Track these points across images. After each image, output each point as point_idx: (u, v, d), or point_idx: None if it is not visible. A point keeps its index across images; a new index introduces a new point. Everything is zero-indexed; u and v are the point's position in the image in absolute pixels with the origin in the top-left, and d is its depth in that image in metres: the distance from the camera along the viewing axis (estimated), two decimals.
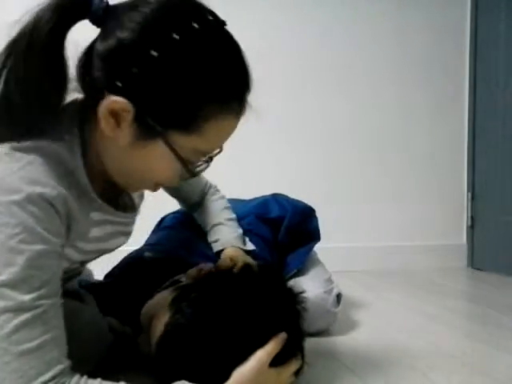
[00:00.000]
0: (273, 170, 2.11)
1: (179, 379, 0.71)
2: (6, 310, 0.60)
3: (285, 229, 1.27)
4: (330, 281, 1.25)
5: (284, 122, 2.15)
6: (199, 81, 0.66)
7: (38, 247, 0.62)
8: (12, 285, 0.60)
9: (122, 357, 0.95)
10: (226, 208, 1.20)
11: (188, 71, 0.65)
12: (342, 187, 2.20)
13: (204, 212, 1.18)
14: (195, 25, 0.65)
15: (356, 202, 2.22)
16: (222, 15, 0.70)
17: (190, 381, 0.70)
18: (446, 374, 0.94)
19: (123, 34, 0.64)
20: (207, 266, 0.91)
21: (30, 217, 0.62)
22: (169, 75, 0.64)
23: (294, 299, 0.83)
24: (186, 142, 0.69)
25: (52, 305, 0.63)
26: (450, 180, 2.33)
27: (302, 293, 0.85)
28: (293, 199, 1.37)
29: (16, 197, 0.62)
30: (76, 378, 0.64)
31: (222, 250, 1.08)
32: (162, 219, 1.31)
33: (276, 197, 1.37)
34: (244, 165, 2.10)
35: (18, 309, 0.60)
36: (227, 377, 0.71)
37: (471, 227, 2.33)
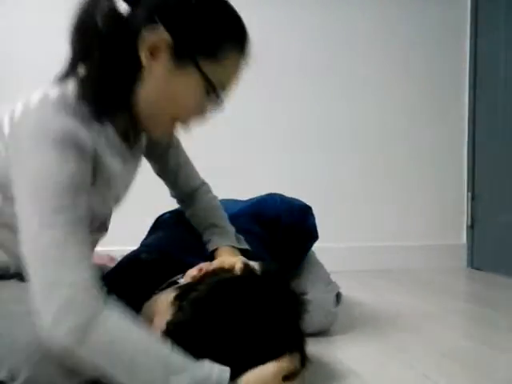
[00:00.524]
0: (273, 170, 2.11)
1: None
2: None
3: (283, 227, 1.26)
4: (329, 280, 1.25)
5: (284, 122, 2.15)
6: (223, 17, 0.82)
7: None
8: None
9: None
10: (219, 207, 1.19)
11: (215, 9, 0.82)
12: (341, 187, 2.20)
13: (197, 211, 1.17)
14: None
15: (356, 202, 2.22)
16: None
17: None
18: (445, 373, 0.94)
19: None
20: (206, 265, 0.91)
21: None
22: (200, 9, 0.80)
23: (296, 300, 0.83)
24: (212, 71, 0.82)
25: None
26: (450, 180, 2.33)
27: (303, 294, 0.85)
28: (289, 198, 1.36)
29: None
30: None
31: (216, 250, 1.07)
32: (158, 219, 1.30)
33: (272, 196, 1.36)
34: (244, 165, 2.10)
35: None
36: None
37: (471, 227, 2.33)
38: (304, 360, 0.80)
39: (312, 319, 1.13)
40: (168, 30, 0.78)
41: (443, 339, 1.18)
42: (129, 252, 1.15)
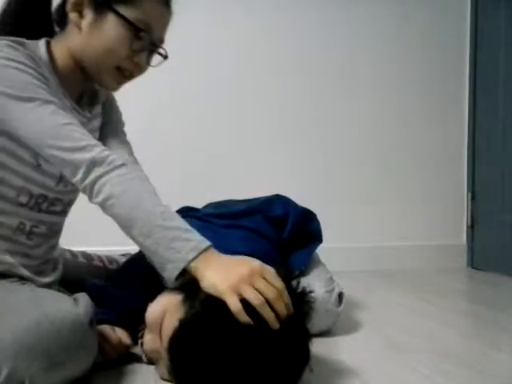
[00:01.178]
0: (273, 170, 2.11)
1: (193, 376, 0.73)
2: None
3: (290, 227, 1.27)
4: (331, 280, 1.25)
5: (284, 122, 2.15)
6: None
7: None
8: None
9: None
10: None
11: None
12: (342, 187, 2.20)
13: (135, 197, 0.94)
14: None
15: (356, 202, 2.22)
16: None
17: (202, 377, 0.72)
18: (445, 373, 0.94)
19: None
20: None
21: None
22: None
23: (302, 299, 0.84)
24: (130, 13, 0.92)
25: None
26: (450, 180, 2.33)
27: (310, 292, 0.86)
28: (294, 202, 1.38)
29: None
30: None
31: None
32: None
33: (279, 197, 1.38)
34: (244, 165, 2.10)
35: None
36: (239, 375, 0.72)
37: (471, 227, 2.33)
38: (308, 359, 0.81)
39: (314, 319, 1.13)
40: None
41: (443, 339, 1.18)
42: (136, 252, 1.15)
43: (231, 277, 0.76)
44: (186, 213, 1.30)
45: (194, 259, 0.79)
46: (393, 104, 2.26)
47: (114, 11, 0.93)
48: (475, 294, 1.84)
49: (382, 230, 2.24)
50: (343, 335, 1.20)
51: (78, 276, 1.17)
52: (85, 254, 1.30)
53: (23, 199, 0.94)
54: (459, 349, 1.11)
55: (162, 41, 1.01)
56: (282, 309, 0.75)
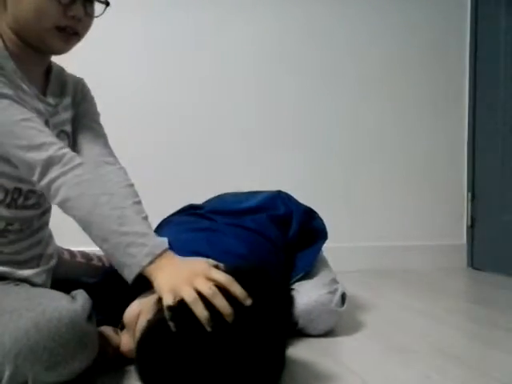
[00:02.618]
0: (273, 170, 2.11)
1: (159, 378, 0.72)
2: None
3: (297, 226, 1.26)
4: (334, 281, 1.25)
5: (284, 122, 2.15)
6: None
7: None
8: None
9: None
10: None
11: None
12: (341, 187, 2.20)
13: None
14: None
15: (356, 201, 2.22)
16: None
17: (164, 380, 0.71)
18: (446, 373, 0.94)
19: None
20: None
21: None
22: None
23: (281, 295, 0.84)
24: None
25: None
26: (450, 180, 2.33)
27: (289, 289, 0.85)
28: (295, 199, 1.38)
29: None
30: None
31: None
32: (160, 224, 1.29)
33: (281, 193, 1.37)
34: (244, 165, 2.10)
35: None
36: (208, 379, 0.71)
37: (471, 227, 2.33)
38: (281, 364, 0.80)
39: (317, 319, 1.13)
40: None
41: (443, 339, 1.18)
42: None
43: (174, 279, 0.77)
44: (189, 211, 1.30)
45: (148, 264, 0.81)
46: (393, 104, 2.26)
47: None
48: (475, 294, 1.84)
49: (382, 229, 2.24)
50: (343, 335, 1.20)
51: (75, 276, 1.17)
52: (84, 254, 1.30)
53: None
54: (459, 349, 1.10)
55: None
56: (221, 304, 0.73)
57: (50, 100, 0.99)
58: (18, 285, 0.91)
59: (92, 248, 1.39)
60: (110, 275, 1.14)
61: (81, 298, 0.84)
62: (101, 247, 0.84)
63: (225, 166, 2.07)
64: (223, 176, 2.03)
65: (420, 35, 2.27)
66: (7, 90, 0.85)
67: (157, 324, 0.75)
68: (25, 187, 0.95)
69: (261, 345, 0.75)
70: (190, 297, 0.73)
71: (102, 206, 0.83)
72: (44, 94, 0.99)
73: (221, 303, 0.72)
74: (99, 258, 1.31)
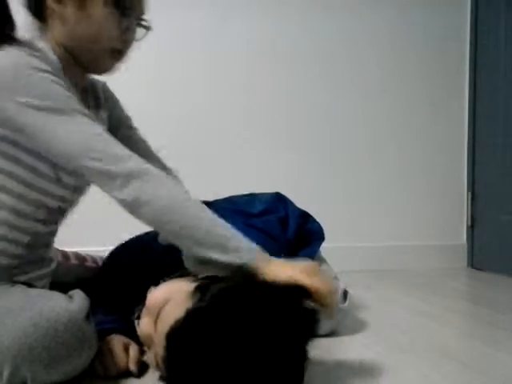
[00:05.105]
0: (273, 170, 2.11)
1: (183, 370, 0.72)
2: None
3: (295, 226, 1.27)
4: (335, 279, 1.25)
5: (283, 122, 2.15)
6: None
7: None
8: None
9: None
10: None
11: None
12: (341, 187, 2.20)
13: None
14: None
15: (356, 202, 2.22)
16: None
17: (195, 372, 0.71)
18: (445, 373, 0.94)
19: None
20: None
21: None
22: None
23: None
24: None
25: None
26: (450, 180, 2.33)
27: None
28: (292, 202, 1.38)
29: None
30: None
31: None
32: None
33: (278, 195, 1.38)
34: (243, 165, 2.10)
35: None
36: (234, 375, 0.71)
37: (471, 227, 2.33)
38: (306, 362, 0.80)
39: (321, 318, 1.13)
40: None
41: (443, 339, 1.18)
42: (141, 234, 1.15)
43: (298, 269, 0.81)
44: None
45: (255, 257, 0.83)
46: (392, 104, 2.26)
47: None
48: (475, 294, 1.83)
49: (382, 229, 2.24)
50: (343, 335, 1.20)
51: (69, 278, 1.16)
52: (78, 255, 1.28)
53: (41, 215, 0.93)
54: (459, 349, 1.10)
55: (143, 13, 0.99)
56: (334, 302, 0.80)
57: (92, 115, 1.00)
58: (13, 285, 0.91)
59: (87, 249, 1.40)
60: (106, 270, 1.14)
61: (78, 297, 0.84)
62: (196, 252, 0.83)
63: (225, 166, 2.07)
64: (223, 176, 2.03)
65: (420, 36, 2.27)
66: (80, 107, 0.86)
67: (198, 314, 0.75)
68: (64, 206, 0.98)
69: (293, 348, 0.76)
70: (326, 287, 0.79)
71: (189, 217, 0.83)
72: (87, 108, 1.00)
73: (334, 303, 0.80)
74: (93, 260, 1.30)
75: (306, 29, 2.17)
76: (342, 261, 2.01)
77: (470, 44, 2.31)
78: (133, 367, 0.89)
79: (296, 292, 0.79)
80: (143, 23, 0.99)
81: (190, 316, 0.76)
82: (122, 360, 0.90)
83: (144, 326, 0.86)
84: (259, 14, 2.11)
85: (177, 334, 0.76)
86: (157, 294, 0.86)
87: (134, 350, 0.93)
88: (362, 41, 2.22)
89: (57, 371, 0.76)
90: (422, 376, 0.93)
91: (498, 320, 1.37)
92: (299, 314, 0.78)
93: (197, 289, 0.80)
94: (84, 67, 0.96)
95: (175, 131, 2.02)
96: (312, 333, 0.81)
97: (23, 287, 0.90)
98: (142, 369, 0.93)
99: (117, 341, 0.93)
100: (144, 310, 0.87)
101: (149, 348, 0.87)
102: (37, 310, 0.77)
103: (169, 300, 0.81)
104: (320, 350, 1.07)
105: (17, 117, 0.82)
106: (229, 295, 0.76)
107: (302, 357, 0.79)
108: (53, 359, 0.75)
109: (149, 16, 0.99)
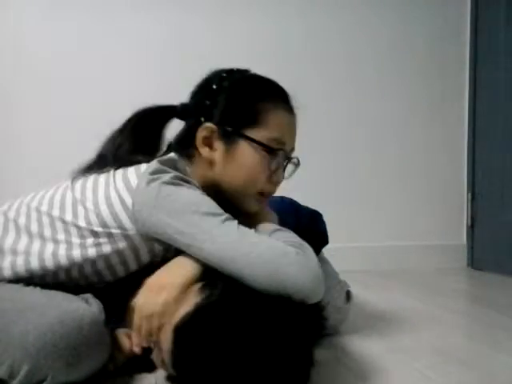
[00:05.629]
0: None
1: (191, 364, 0.72)
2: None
3: (300, 232, 1.26)
4: (338, 279, 1.25)
5: None
6: (246, 88, 0.98)
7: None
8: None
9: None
10: None
11: (237, 83, 0.99)
12: (341, 187, 2.20)
13: None
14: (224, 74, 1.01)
15: (356, 202, 2.22)
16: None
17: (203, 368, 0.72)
18: (446, 373, 0.94)
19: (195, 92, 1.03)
20: None
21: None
22: (225, 89, 0.96)
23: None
24: (261, 134, 0.93)
25: None
26: (450, 180, 2.33)
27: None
28: (298, 203, 1.38)
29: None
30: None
31: None
32: None
33: (283, 199, 1.37)
34: None
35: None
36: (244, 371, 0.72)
37: (471, 227, 2.33)
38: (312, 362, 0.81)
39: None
40: (209, 120, 0.94)
41: (443, 339, 1.18)
42: None
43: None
44: None
45: None
46: (392, 104, 2.26)
47: (245, 137, 0.93)
48: (475, 293, 1.83)
49: (382, 229, 2.24)
50: (343, 335, 1.20)
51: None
52: None
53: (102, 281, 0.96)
54: (459, 349, 1.10)
55: (293, 149, 1.03)
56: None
57: None
58: (29, 285, 0.91)
59: None
60: None
61: (93, 301, 0.87)
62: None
63: None
64: None
65: (420, 36, 2.27)
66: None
67: (207, 309, 0.76)
68: None
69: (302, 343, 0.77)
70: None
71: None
72: None
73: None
74: None
75: (305, 29, 2.17)
76: (342, 261, 2.01)
77: (470, 44, 2.31)
78: (137, 349, 0.90)
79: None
80: (293, 160, 1.03)
81: (199, 310, 0.76)
82: (126, 345, 0.91)
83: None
84: (259, 15, 2.11)
85: (186, 328, 0.76)
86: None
87: (136, 336, 0.92)
88: (362, 41, 2.22)
89: (76, 370, 0.77)
90: (422, 376, 0.93)
91: (497, 320, 1.37)
92: (307, 310, 0.79)
93: (205, 285, 0.81)
94: (225, 202, 0.94)
95: (175, 132, 2.01)
96: (319, 327, 0.82)
97: (38, 288, 0.91)
98: (149, 367, 0.93)
99: (119, 331, 0.94)
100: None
101: (154, 346, 0.87)
102: (63, 309, 0.79)
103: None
104: (320, 349, 1.07)
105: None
106: (238, 290, 0.78)
107: (310, 354, 0.79)
108: (75, 358, 0.76)
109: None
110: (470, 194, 2.33)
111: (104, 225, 0.89)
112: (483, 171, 2.27)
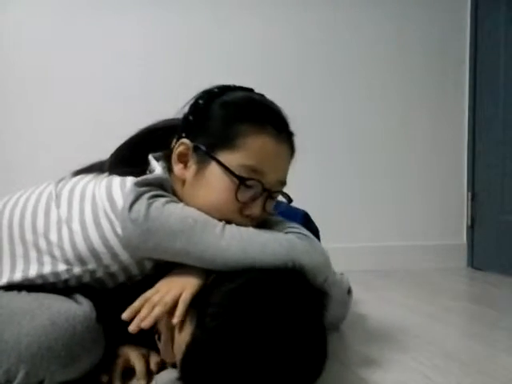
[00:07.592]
0: None
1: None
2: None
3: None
4: (337, 275, 1.26)
5: None
6: (233, 109, 0.90)
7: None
8: None
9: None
10: None
11: (221, 105, 0.90)
12: (340, 187, 2.20)
13: None
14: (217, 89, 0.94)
15: (355, 202, 2.22)
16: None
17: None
18: (445, 373, 0.94)
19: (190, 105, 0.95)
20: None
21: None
22: (207, 110, 0.90)
23: (318, 295, 0.83)
24: (232, 159, 0.84)
25: None
26: (450, 180, 2.33)
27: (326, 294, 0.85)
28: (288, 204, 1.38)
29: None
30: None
31: None
32: None
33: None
34: None
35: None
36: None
37: (471, 227, 2.33)
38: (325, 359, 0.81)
39: (330, 312, 1.13)
40: (187, 136, 0.89)
41: (443, 339, 1.18)
42: None
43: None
44: None
45: None
46: (393, 104, 2.26)
47: (215, 159, 0.84)
48: (475, 293, 1.83)
49: (382, 229, 2.24)
50: (343, 334, 1.20)
51: None
52: None
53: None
54: (459, 349, 1.10)
55: (282, 183, 0.94)
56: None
57: None
58: (20, 291, 0.90)
59: None
60: None
61: (83, 299, 0.85)
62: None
63: None
64: None
65: (420, 36, 2.27)
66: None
67: (204, 339, 0.74)
68: None
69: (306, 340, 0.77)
70: None
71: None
72: None
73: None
74: None
75: (305, 30, 2.16)
76: (342, 261, 2.01)
77: (470, 44, 2.31)
78: (155, 368, 0.88)
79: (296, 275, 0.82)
80: (277, 194, 0.93)
81: (196, 341, 0.73)
82: (141, 369, 0.87)
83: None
84: (260, 14, 2.11)
85: (188, 359, 0.74)
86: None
87: (154, 358, 0.90)
88: (362, 41, 2.22)
89: (73, 369, 0.78)
90: (422, 376, 0.93)
91: (498, 320, 1.37)
92: (316, 308, 0.80)
93: (195, 312, 0.77)
94: None
95: None
96: (322, 312, 0.82)
97: (26, 292, 0.89)
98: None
99: (130, 351, 0.90)
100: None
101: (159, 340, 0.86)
102: (55, 310, 0.79)
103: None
104: None
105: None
106: (226, 318, 0.74)
107: (323, 351, 0.81)
108: (71, 358, 0.76)
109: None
110: (469, 194, 2.32)
111: (92, 250, 0.85)
112: (483, 171, 2.27)
